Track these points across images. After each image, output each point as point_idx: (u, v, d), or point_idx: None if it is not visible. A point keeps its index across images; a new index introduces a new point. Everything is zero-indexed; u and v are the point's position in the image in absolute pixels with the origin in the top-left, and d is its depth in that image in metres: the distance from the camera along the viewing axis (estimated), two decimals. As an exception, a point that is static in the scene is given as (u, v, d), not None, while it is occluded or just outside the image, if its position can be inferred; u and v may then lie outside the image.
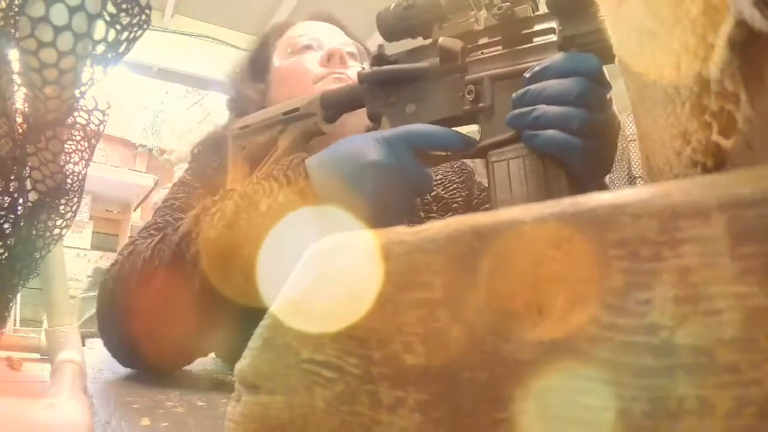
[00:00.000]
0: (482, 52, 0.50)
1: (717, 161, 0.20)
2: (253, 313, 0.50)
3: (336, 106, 0.62)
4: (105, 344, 0.58)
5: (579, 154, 0.43)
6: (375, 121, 0.58)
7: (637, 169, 2.13)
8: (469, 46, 0.51)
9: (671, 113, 0.21)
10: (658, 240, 0.14)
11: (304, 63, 0.74)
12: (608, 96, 0.44)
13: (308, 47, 0.75)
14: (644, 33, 0.21)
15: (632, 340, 0.14)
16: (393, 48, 0.58)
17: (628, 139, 2.12)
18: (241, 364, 0.21)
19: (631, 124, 1.81)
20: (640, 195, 0.15)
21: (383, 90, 0.56)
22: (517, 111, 0.45)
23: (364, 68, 0.66)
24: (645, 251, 0.14)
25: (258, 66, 0.81)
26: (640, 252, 0.14)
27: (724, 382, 0.13)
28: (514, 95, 0.46)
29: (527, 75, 0.45)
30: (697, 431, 0.13)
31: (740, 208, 0.13)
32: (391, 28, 0.55)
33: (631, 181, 2.17)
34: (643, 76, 0.23)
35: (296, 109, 0.64)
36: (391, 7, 0.55)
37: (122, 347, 0.57)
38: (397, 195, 0.50)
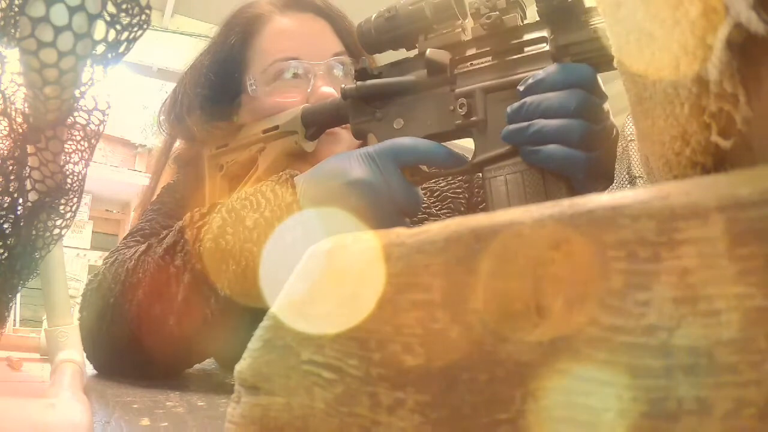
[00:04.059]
0: (471, 64, 0.48)
1: (716, 162, 0.21)
2: (240, 320, 0.50)
3: (318, 123, 0.60)
4: (87, 355, 0.56)
5: (582, 167, 0.42)
6: (361, 137, 0.56)
7: (637, 169, 2.13)
8: (457, 58, 0.49)
9: (670, 114, 0.21)
10: (656, 241, 0.14)
11: (286, 98, 0.65)
12: (605, 106, 0.44)
13: (291, 76, 0.66)
14: (643, 34, 0.21)
15: (631, 341, 0.14)
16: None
17: (628, 139, 2.12)
18: (241, 366, 0.21)
19: (631, 124, 1.81)
20: (639, 196, 0.15)
21: (369, 105, 0.54)
22: (514, 126, 0.44)
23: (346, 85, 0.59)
24: (644, 252, 0.14)
25: (228, 83, 0.69)
26: (638, 253, 0.14)
27: (723, 383, 0.13)
28: (509, 109, 0.44)
29: (521, 87, 0.44)
30: (695, 432, 0.13)
31: (739, 209, 0.13)
32: (372, 40, 0.53)
33: (631, 181, 2.17)
34: (642, 77, 0.23)
35: (276, 127, 0.62)
36: (373, 17, 0.53)
37: (105, 358, 0.57)
38: (382, 213, 0.48)
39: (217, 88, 0.69)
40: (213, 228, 0.50)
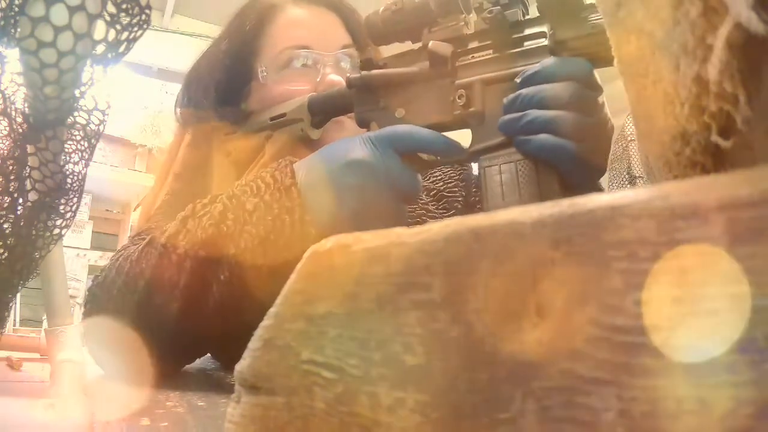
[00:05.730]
0: (472, 56, 0.50)
1: (716, 162, 0.21)
2: (241, 307, 0.50)
3: (324, 111, 0.61)
4: (90, 350, 0.56)
5: (571, 157, 0.43)
6: (364, 126, 0.57)
7: (637, 169, 2.12)
8: (459, 50, 0.50)
9: (670, 114, 0.21)
10: (656, 241, 0.14)
11: (295, 86, 0.67)
12: (600, 99, 0.45)
13: (300, 65, 0.68)
14: (643, 34, 0.21)
15: (631, 341, 0.14)
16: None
17: (628, 139, 2.12)
18: (241, 365, 0.21)
19: (631, 124, 1.81)
20: (639, 196, 0.15)
21: (373, 95, 0.55)
22: (508, 116, 0.45)
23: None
24: (644, 252, 0.14)
25: (240, 69, 0.71)
26: (638, 253, 0.14)
27: (722, 383, 0.13)
28: (505, 100, 0.46)
29: (518, 79, 0.45)
30: (695, 432, 0.13)
31: (739, 209, 0.13)
32: (379, 32, 0.55)
33: (631, 181, 2.16)
34: (642, 77, 0.23)
35: (283, 115, 0.63)
36: (380, 10, 0.54)
37: (107, 351, 0.56)
38: (379, 194, 0.49)
39: (232, 74, 0.71)
40: (215, 215, 0.50)
